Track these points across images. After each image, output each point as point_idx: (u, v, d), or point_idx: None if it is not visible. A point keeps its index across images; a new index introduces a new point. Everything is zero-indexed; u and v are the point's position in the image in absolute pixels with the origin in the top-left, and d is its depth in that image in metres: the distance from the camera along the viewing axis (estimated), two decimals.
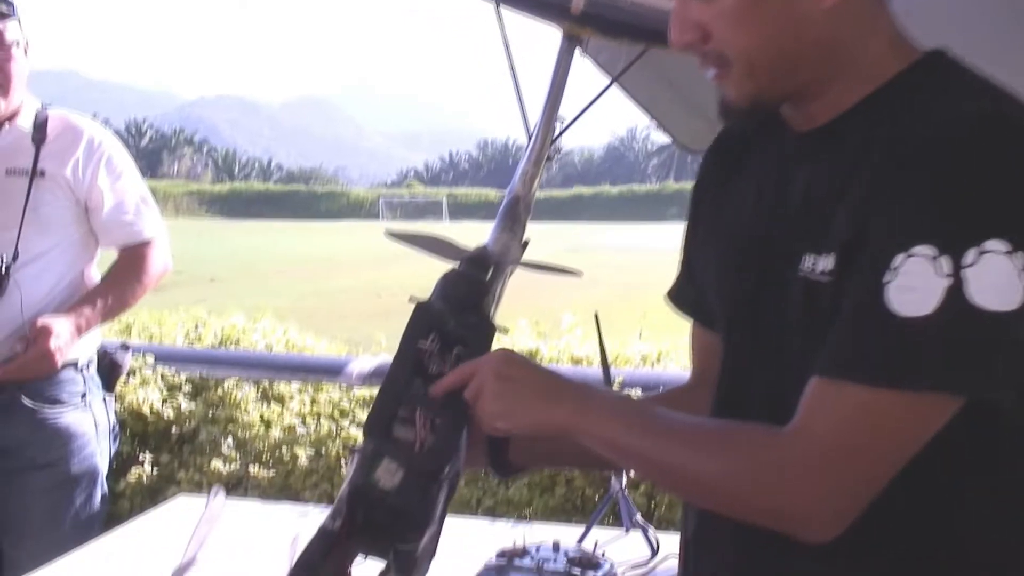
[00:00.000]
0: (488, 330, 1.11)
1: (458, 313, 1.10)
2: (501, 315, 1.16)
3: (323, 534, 1.03)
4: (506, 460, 1.17)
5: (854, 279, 0.89)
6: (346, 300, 16.09)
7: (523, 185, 1.29)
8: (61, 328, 2.39)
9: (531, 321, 4.03)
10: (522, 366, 1.04)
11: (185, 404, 3.62)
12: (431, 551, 1.05)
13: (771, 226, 1.01)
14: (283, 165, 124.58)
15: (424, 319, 1.08)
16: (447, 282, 1.14)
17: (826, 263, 0.92)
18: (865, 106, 0.96)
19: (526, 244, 1.26)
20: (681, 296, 1.23)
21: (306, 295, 16.30)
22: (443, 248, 1.20)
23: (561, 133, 1.36)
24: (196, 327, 4.39)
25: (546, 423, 1.01)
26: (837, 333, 0.89)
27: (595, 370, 3.06)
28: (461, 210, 53.24)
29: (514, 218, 1.25)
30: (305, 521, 2.15)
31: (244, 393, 3.67)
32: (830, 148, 0.97)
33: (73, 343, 2.43)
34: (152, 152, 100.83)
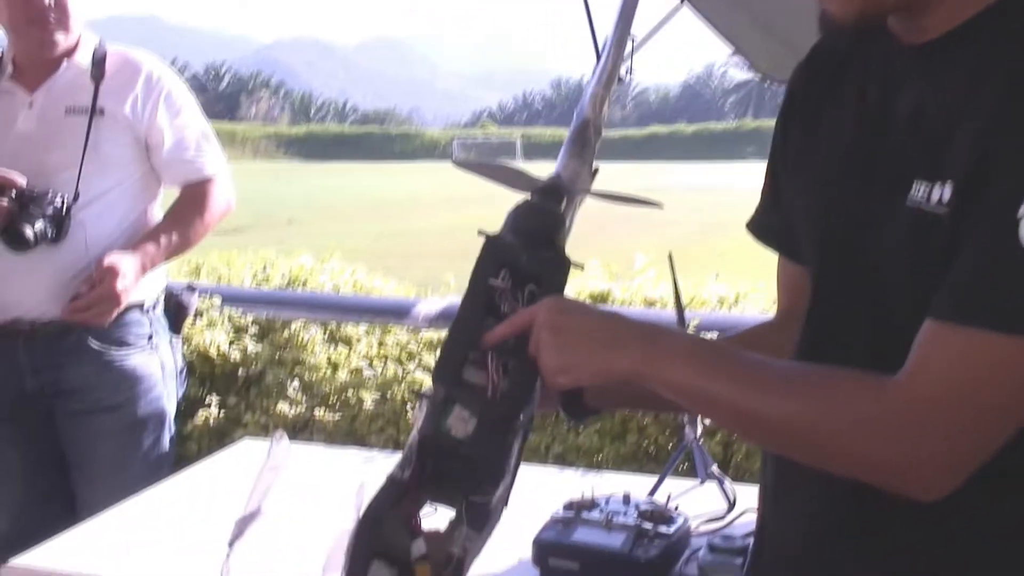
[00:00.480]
0: (563, 265, 1.07)
1: (531, 248, 1.05)
2: (571, 254, 1.10)
3: (391, 484, 1.01)
4: (580, 403, 1.14)
5: (980, 215, 0.84)
6: (420, 241, 16.21)
7: (592, 108, 1.22)
8: (127, 267, 2.37)
9: (602, 262, 3.95)
10: (576, 313, 0.99)
11: (252, 346, 3.62)
12: (503, 502, 1.03)
13: (874, 148, 0.96)
14: (358, 107, 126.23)
15: (495, 255, 1.05)
16: (518, 214, 1.09)
17: (942, 193, 0.87)
18: (985, 19, 0.90)
19: (596, 172, 1.20)
20: (765, 226, 1.19)
21: (381, 236, 16.48)
22: (513, 178, 1.13)
23: (633, 52, 1.28)
24: (264, 268, 4.38)
25: (610, 372, 0.97)
26: (960, 273, 0.84)
27: (669, 312, 3.05)
28: (535, 150, 53.66)
29: (583, 143, 1.19)
30: (371, 467, 2.18)
31: (311, 335, 3.67)
32: (945, 64, 0.91)
33: (138, 282, 2.42)
34: (230, 95, 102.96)
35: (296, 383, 3.52)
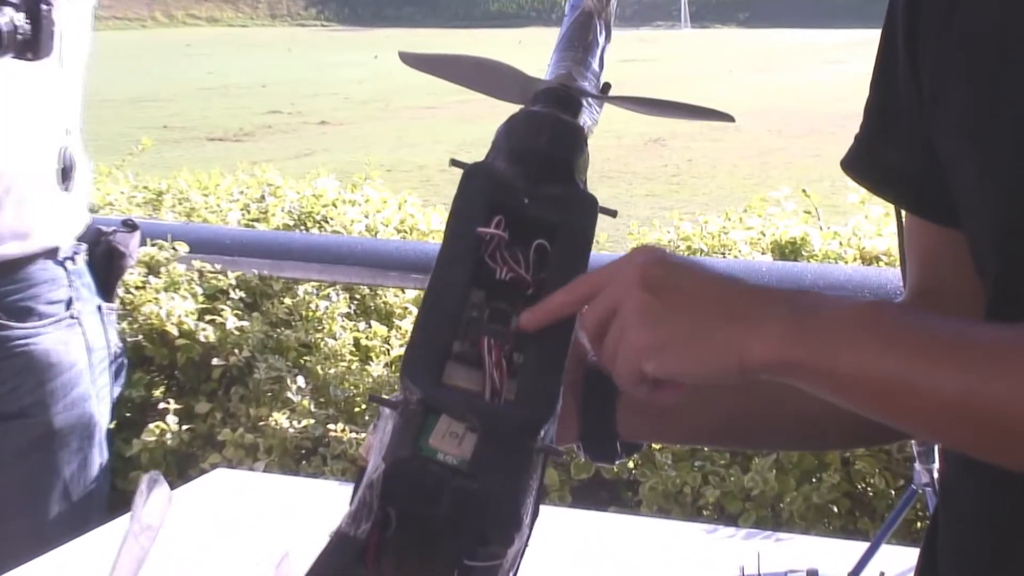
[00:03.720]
0: (588, 208, 1.09)
1: (537, 182, 1.07)
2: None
3: (340, 545, 0.99)
4: (610, 429, 1.21)
5: None
6: None
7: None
8: None
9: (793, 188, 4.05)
10: (687, 269, 1.02)
11: (234, 321, 3.62)
12: (515, 568, 1.02)
13: None
14: None
15: (482, 193, 1.07)
16: (514, 131, 1.11)
17: None
18: None
19: (608, 88, 1.23)
20: (878, 168, 1.23)
21: (452, 146, 16.60)
22: (493, 77, 1.16)
23: None
24: (262, 198, 4.40)
25: (736, 360, 0.98)
26: None
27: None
28: (710, 11, 53.72)
29: (586, 45, 1.23)
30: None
31: (329, 305, 3.68)
32: None
33: None
34: None
35: (302, 380, 3.52)
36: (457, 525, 0.98)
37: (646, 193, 13.93)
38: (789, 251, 3.61)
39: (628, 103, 1.18)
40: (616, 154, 15.84)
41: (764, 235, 3.70)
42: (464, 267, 1.05)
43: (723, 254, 3.68)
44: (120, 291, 2.76)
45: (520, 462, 1.01)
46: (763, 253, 3.63)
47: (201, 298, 3.69)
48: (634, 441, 1.26)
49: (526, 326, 1.03)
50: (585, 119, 1.19)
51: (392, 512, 0.98)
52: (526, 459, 1.01)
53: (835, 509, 3.05)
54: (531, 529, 1.02)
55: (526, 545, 1.03)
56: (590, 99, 1.19)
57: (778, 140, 17.30)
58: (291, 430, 3.42)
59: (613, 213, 1.12)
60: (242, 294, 3.73)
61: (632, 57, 28.60)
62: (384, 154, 15.10)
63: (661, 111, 1.17)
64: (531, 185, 1.08)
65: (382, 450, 1.01)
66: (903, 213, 1.26)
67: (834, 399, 0.99)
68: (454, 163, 1.10)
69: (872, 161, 1.24)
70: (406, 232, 4.17)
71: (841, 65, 26.66)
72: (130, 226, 2.69)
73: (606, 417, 1.23)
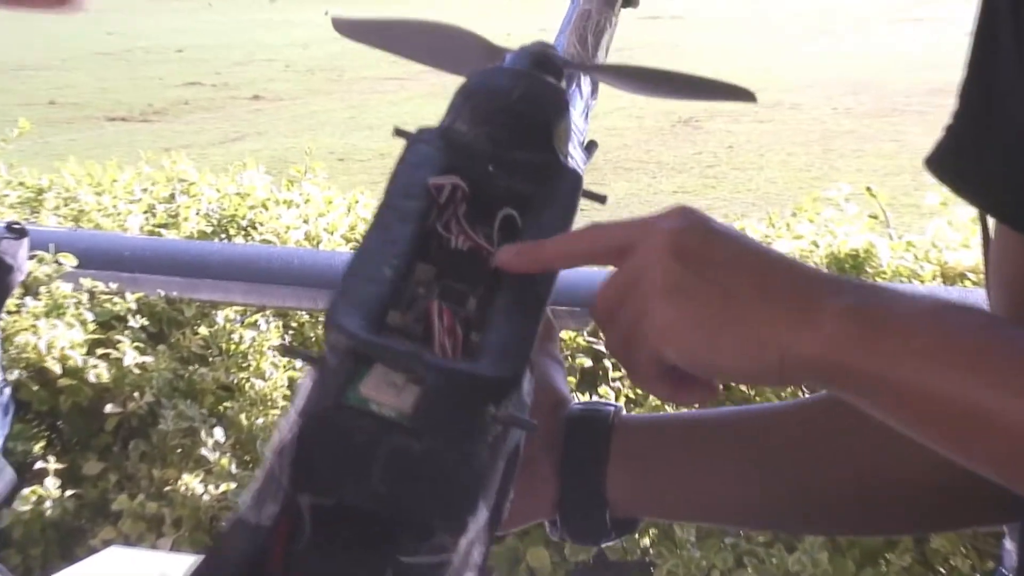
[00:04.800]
0: (570, 182, 1.12)
1: (506, 146, 1.09)
2: None
3: (242, 533, 0.95)
4: (598, 495, 1.22)
5: None
6: None
7: None
8: None
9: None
10: (729, 237, 1.03)
11: (134, 356, 3.63)
12: (470, 565, 0.98)
13: None
14: None
15: (433, 157, 1.09)
16: (479, 87, 1.14)
17: None
18: None
19: (593, 146, 1.25)
20: (970, 167, 1.21)
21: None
22: (446, 46, 1.20)
23: None
24: (172, 197, 4.43)
25: (783, 353, 0.98)
26: None
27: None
28: None
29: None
30: None
31: (257, 336, 3.73)
32: None
33: None
34: None
35: (221, 433, 3.54)
36: (393, 503, 0.96)
37: (675, 189, 13.73)
38: (850, 266, 3.61)
39: (621, 77, 1.20)
40: (636, 139, 15.58)
41: (818, 246, 3.69)
42: (407, 226, 1.06)
43: None
44: (3, 314, 2.78)
45: (475, 426, 0.99)
46: None
47: (92, 326, 3.70)
48: (631, 516, 1.25)
49: (506, 264, 1.04)
50: (571, 108, 1.19)
51: (308, 492, 0.95)
52: (483, 424, 1.00)
53: None
54: (495, 528, 1.02)
55: (487, 550, 1.00)
56: (574, 69, 1.21)
57: (845, 121, 17.10)
58: (206, 496, 3.43)
59: (602, 199, 1.13)
60: (145, 321, 3.74)
61: (656, 14, 28.51)
62: (334, 139, 15.08)
63: (658, 87, 1.19)
64: (498, 150, 1.10)
65: (297, 405, 0.99)
66: (991, 223, 1.24)
67: (891, 419, 1.00)
68: (399, 133, 1.11)
69: (963, 158, 1.23)
70: (357, 241, 4.09)
71: (923, 25, 26.55)
72: (16, 231, 2.68)
73: (593, 478, 1.23)
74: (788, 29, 27.36)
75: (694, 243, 1.02)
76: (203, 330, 3.74)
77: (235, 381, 3.64)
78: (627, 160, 14.65)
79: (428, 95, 17.93)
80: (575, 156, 1.18)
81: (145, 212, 4.34)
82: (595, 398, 3.59)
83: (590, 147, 1.24)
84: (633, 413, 1.28)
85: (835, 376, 0.99)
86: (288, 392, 3.63)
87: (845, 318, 0.98)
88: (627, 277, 1.04)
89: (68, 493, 3.50)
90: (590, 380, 3.68)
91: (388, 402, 0.96)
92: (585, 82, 1.29)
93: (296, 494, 0.94)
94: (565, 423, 1.23)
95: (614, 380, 3.63)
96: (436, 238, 1.06)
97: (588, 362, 3.68)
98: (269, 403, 3.60)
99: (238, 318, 3.76)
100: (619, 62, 1.19)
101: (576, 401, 1.26)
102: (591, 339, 3.70)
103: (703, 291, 1.01)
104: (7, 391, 2.66)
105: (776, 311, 1.00)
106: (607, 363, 3.72)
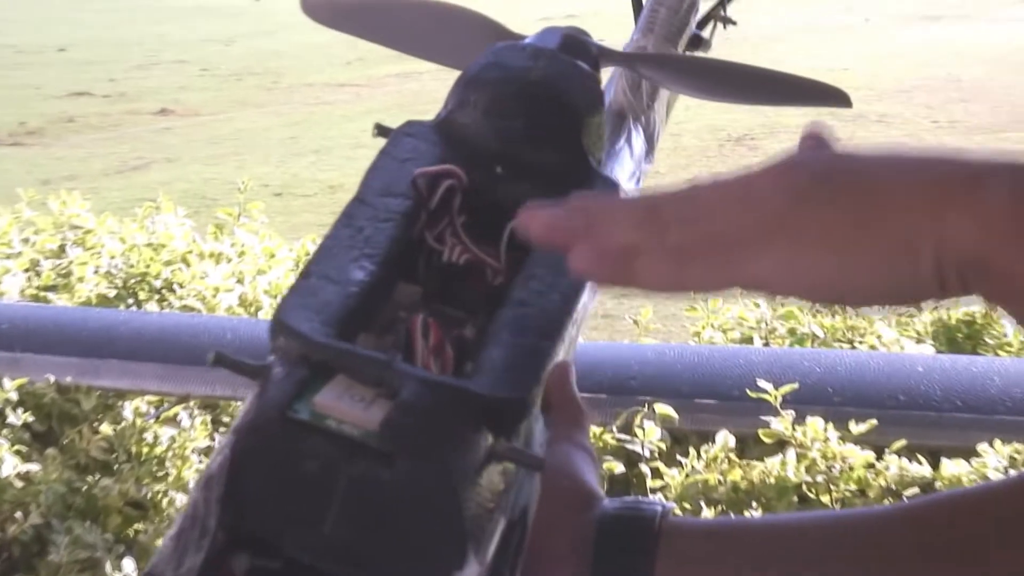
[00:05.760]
0: (603, 191, 1.18)
1: (520, 141, 1.14)
2: None
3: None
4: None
5: None
6: None
7: None
8: None
9: None
10: (857, 153, 1.05)
11: (14, 463, 3.65)
12: None
13: None
14: None
15: (424, 153, 1.15)
16: (488, 69, 1.18)
17: None
18: None
19: (683, 62, 1.30)
20: None
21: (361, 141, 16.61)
22: (446, 31, 1.19)
23: None
24: (62, 249, 4.49)
25: (938, 243, 1.00)
26: None
27: None
28: None
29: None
30: None
31: (178, 435, 3.81)
32: None
33: None
34: None
35: (131, 566, 3.53)
36: (353, 559, 0.95)
37: None
38: (963, 337, 3.63)
39: (681, 73, 1.19)
40: (676, 162, 15.42)
41: (920, 309, 3.72)
42: (386, 226, 1.10)
43: (851, 343, 3.69)
44: None
45: (466, 458, 1.00)
46: (918, 341, 3.61)
47: None
48: None
49: (528, 226, 1.01)
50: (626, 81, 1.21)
51: (242, 535, 0.95)
52: (474, 457, 1.01)
53: None
54: None
55: None
56: (612, 59, 1.26)
57: (950, 135, 17.17)
58: None
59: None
60: (29, 417, 3.77)
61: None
62: (268, 168, 15.13)
63: (730, 91, 1.20)
64: (509, 147, 1.13)
65: (235, 423, 1.01)
66: None
67: None
68: (381, 130, 1.16)
69: None
70: None
71: None
72: None
73: (642, 548, 1.23)
74: (877, 14, 26.96)
75: (819, 163, 1.04)
76: (106, 428, 3.76)
77: (148, 496, 3.66)
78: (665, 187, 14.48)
79: (394, 107, 17.88)
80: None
81: (27, 270, 4.38)
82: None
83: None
84: (687, 516, 1.28)
85: (994, 274, 0.99)
86: None
87: (1013, 200, 0.99)
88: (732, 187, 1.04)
89: None
90: (621, 490, 3.66)
91: (351, 417, 0.98)
92: (637, 138, 1.29)
93: (227, 547, 0.94)
94: (597, 524, 1.25)
95: (654, 491, 3.62)
96: (425, 253, 1.11)
97: (619, 467, 3.67)
98: None
99: (152, 411, 3.78)
100: (677, 53, 1.18)
101: (609, 499, 1.28)
102: (622, 437, 3.69)
103: (829, 198, 1.02)
104: None
105: (926, 192, 1.01)
106: (644, 468, 3.71)
